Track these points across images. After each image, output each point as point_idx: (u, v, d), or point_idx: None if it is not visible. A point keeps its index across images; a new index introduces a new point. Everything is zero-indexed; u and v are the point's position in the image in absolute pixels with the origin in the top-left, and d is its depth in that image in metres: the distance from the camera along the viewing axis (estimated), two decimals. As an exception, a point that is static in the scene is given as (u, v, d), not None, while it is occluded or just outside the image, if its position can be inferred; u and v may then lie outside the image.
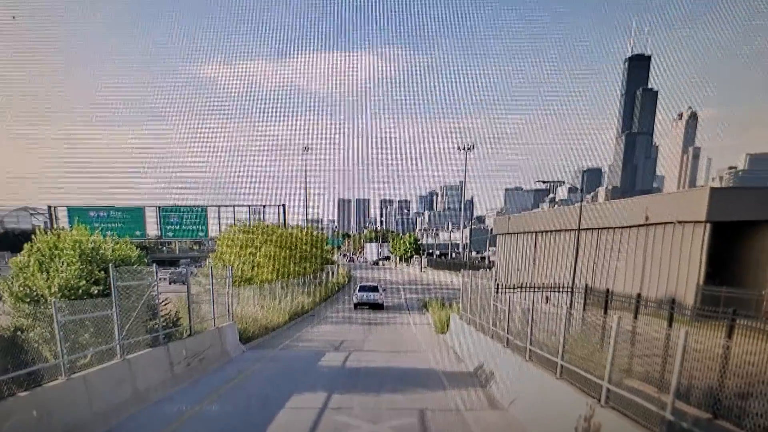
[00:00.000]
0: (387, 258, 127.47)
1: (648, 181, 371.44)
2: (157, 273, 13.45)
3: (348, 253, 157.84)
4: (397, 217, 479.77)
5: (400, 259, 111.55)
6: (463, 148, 64.47)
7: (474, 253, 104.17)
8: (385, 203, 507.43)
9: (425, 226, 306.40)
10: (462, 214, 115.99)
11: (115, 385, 10.66)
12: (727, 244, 25.60)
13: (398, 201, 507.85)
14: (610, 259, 32.85)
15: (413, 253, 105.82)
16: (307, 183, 64.22)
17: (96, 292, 11.64)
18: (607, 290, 16.57)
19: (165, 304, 14.31)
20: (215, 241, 41.15)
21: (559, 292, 24.04)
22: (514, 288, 19.94)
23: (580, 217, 31.53)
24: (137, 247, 14.31)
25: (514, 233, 47.52)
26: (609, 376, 8.42)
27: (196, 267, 32.96)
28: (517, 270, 45.08)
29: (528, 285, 23.59)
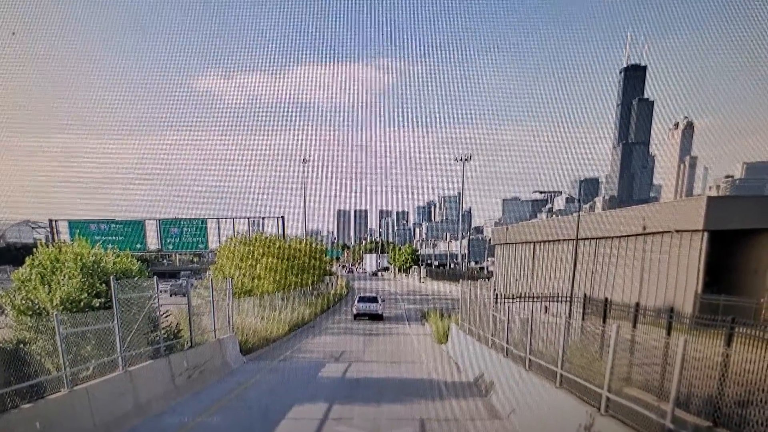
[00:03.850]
0: (386, 269, 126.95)
1: (645, 190, 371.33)
2: (157, 285, 13.52)
3: (347, 264, 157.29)
4: (395, 228, 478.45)
5: (399, 270, 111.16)
6: (461, 159, 64.76)
7: (473, 264, 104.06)
8: (384, 214, 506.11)
9: (423, 236, 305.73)
10: (460, 225, 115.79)
11: (117, 396, 10.71)
12: (724, 252, 25.62)
13: (396, 212, 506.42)
14: (609, 269, 32.90)
15: (412, 263, 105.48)
16: (306, 195, 64.33)
17: (98, 304, 11.69)
18: (606, 299, 16.60)
19: (166, 317, 14.37)
20: (215, 254, 41.14)
21: (557, 301, 24.05)
22: (513, 298, 19.94)
23: (578, 227, 31.60)
24: (138, 260, 14.38)
25: (513, 243, 47.57)
26: (608, 385, 8.47)
27: (196, 279, 32.98)
28: (516, 280, 45.09)
29: (527, 295, 23.57)
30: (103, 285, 11.98)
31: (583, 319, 16.14)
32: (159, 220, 55.77)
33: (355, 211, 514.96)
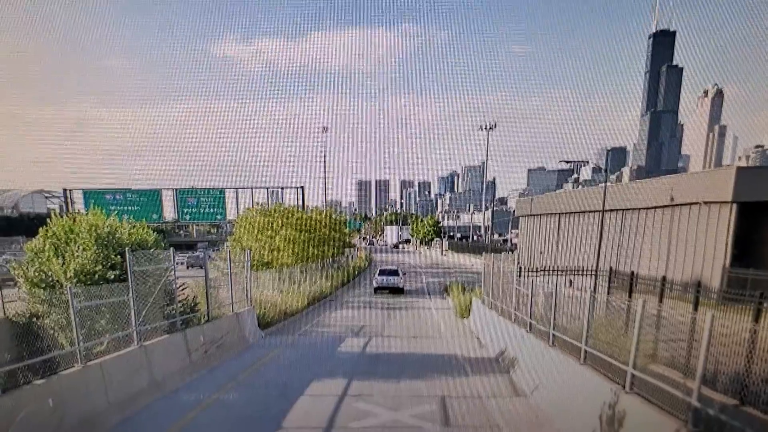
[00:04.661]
0: (407, 241, 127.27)
1: (673, 160, 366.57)
2: (174, 257, 13.35)
3: (368, 237, 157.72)
4: (417, 199, 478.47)
5: (421, 242, 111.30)
6: (485, 128, 63.69)
7: (496, 236, 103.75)
8: (406, 185, 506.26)
9: (446, 208, 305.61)
10: (484, 196, 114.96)
11: (132, 372, 10.58)
12: (753, 225, 24.97)
13: (419, 182, 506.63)
14: (635, 241, 32.28)
15: (434, 236, 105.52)
16: (326, 164, 63.91)
17: (112, 277, 11.44)
18: (632, 273, 16.21)
19: (182, 289, 14.22)
20: (233, 225, 41.16)
21: (582, 275, 23.71)
22: (536, 271, 19.61)
23: (604, 198, 30.97)
24: (154, 231, 14.10)
25: (537, 215, 46.96)
26: (634, 362, 8.26)
27: (213, 251, 33.05)
28: (540, 253, 44.60)
29: (551, 268, 23.19)
30: (118, 257, 11.72)
31: (608, 293, 15.95)
32: (176, 190, 55.77)
33: (376, 182, 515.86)
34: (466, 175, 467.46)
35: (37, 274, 11.20)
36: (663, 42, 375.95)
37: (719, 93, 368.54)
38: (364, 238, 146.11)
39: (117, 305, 10.82)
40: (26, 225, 61.25)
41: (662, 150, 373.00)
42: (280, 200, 51.85)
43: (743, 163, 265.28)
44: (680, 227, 28.46)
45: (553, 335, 11.90)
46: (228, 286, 16.93)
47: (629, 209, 32.86)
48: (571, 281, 23.10)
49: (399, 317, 24.36)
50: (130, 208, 51.92)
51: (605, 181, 33.38)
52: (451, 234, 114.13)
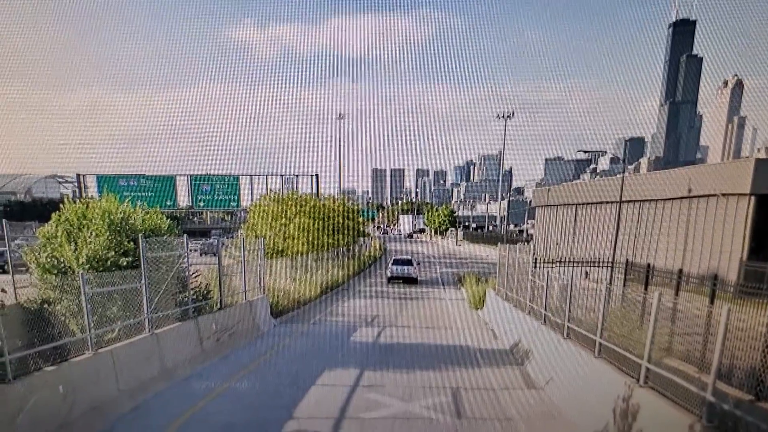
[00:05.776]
0: (422, 230, 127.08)
1: (691, 151, 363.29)
2: (187, 244, 13.30)
3: (382, 225, 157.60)
4: (432, 188, 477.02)
5: (436, 232, 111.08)
6: (502, 116, 63.06)
7: (512, 226, 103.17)
8: (421, 174, 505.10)
9: (461, 197, 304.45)
10: (500, 185, 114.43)
11: (143, 360, 10.55)
12: (772, 218, 24.56)
13: (434, 171, 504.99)
14: (652, 233, 31.92)
15: (449, 225, 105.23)
16: (341, 152, 63.93)
17: (125, 263, 11.41)
18: (648, 265, 16.01)
19: (195, 277, 14.17)
20: (247, 212, 41.18)
21: (599, 266, 23.45)
22: (552, 262, 19.38)
23: (621, 189, 30.63)
24: (168, 218, 14.08)
25: (554, 205, 46.57)
26: (648, 355, 8.16)
27: (227, 238, 32.93)
28: (556, 244, 44.27)
29: (567, 259, 22.96)
30: (131, 243, 11.70)
31: (624, 285, 15.71)
32: (190, 176, 55.96)
33: (391, 170, 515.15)
34: (482, 164, 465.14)
35: (49, 259, 11.17)
36: (683, 31, 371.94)
37: (739, 84, 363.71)
38: (378, 227, 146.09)
39: (129, 292, 10.77)
40: (39, 210, 61.42)
41: (681, 141, 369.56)
42: (295, 188, 51.87)
43: (762, 155, 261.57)
44: (697, 219, 28.10)
45: (568, 327, 11.81)
46: (241, 273, 16.91)
47: (646, 200, 32.48)
48: (587, 273, 22.88)
49: (412, 307, 24.26)
50: (144, 194, 52.26)
51: (623, 172, 33.01)
52: (466, 224, 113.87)
